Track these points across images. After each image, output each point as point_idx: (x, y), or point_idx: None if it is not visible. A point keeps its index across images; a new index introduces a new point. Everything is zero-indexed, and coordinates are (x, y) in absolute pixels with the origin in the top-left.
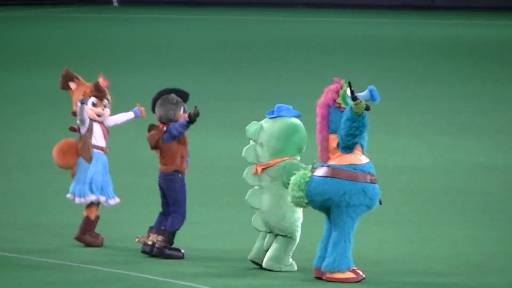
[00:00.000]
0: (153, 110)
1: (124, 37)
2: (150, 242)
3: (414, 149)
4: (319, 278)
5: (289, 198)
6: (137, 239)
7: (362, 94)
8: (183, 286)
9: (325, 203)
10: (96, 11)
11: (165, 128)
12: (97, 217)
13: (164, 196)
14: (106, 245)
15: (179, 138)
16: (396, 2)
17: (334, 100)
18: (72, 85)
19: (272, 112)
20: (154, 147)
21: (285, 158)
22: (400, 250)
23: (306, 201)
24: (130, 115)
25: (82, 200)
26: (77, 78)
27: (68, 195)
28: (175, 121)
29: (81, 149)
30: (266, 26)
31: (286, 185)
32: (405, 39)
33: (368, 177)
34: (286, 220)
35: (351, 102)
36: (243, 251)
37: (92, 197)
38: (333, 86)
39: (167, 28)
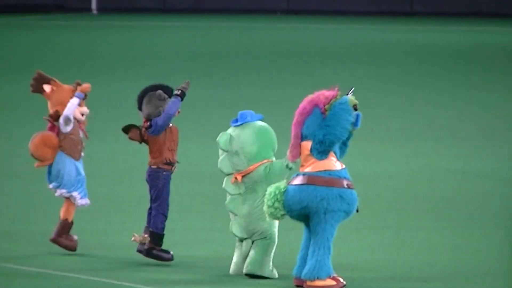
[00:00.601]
0: (140, 108)
1: (103, 44)
2: (145, 242)
3: (391, 155)
4: (300, 286)
5: (265, 210)
6: (132, 238)
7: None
8: None
9: (303, 211)
10: (75, 19)
11: (148, 123)
12: (72, 222)
13: (149, 190)
14: (85, 253)
15: (165, 131)
16: (374, 8)
17: (323, 105)
18: (47, 87)
19: (236, 120)
20: (141, 141)
21: (264, 161)
22: (379, 257)
23: (282, 212)
24: (75, 101)
25: (75, 195)
26: (53, 80)
27: (54, 187)
28: None
29: (67, 146)
30: (242, 33)
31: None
32: (382, 45)
33: (345, 182)
34: (266, 221)
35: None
36: (222, 259)
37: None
38: (329, 93)
39: (146, 36)
